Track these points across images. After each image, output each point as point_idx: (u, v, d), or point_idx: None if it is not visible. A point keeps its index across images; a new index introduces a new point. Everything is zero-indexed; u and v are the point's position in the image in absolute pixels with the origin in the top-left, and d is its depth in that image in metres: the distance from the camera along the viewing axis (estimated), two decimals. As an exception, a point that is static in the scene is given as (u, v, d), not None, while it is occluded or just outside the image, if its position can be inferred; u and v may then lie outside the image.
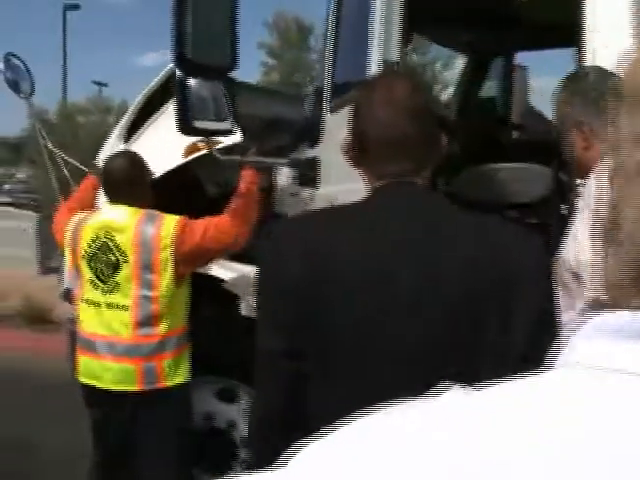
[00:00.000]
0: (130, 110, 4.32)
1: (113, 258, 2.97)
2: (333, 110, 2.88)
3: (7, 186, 34.20)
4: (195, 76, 2.74)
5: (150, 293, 2.94)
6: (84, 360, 3.10)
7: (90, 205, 3.43)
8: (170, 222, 2.96)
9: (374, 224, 1.45)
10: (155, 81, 4.09)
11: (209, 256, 3.12)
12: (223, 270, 3.46)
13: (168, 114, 3.60)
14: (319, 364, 1.46)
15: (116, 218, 3.02)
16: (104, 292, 2.99)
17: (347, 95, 2.71)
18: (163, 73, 4.03)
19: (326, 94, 2.94)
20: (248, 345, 3.40)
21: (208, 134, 2.86)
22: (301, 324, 1.45)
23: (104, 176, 3.14)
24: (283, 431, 1.44)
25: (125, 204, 3.04)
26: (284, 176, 3.50)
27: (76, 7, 32.02)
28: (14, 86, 4.54)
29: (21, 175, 43.91)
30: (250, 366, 3.31)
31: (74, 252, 3.11)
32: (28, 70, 4.64)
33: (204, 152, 3.21)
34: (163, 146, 3.61)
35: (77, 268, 3.11)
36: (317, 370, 1.47)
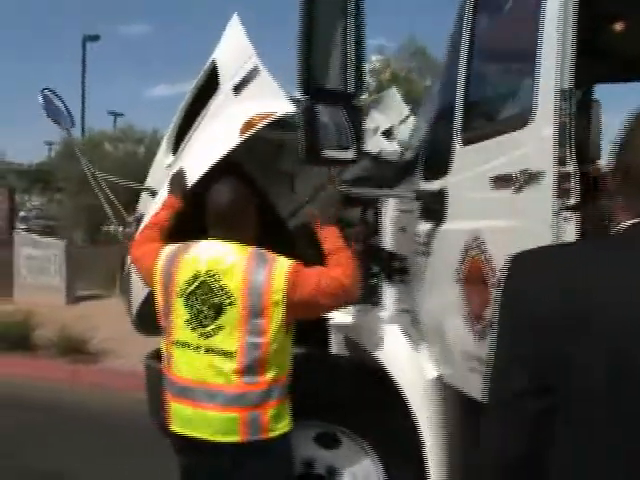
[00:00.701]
0: (173, 121, 4.26)
1: (216, 300, 2.71)
2: (466, 142, 2.72)
3: (22, 213, 34.21)
4: (322, 103, 2.63)
5: (258, 339, 2.68)
6: (177, 408, 2.83)
7: (168, 228, 3.23)
8: (282, 266, 2.71)
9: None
10: (193, 87, 4.08)
11: (321, 309, 2.90)
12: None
13: (210, 115, 3.73)
14: (569, 406, 1.31)
15: (221, 257, 2.76)
16: (203, 335, 2.73)
17: (489, 128, 2.57)
18: (200, 76, 4.01)
19: (457, 125, 2.78)
20: (348, 387, 3.36)
21: (334, 164, 2.71)
22: (551, 361, 1.30)
23: (209, 206, 2.88)
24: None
25: (229, 239, 2.80)
26: (390, 209, 3.34)
27: (96, 38, 32.29)
28: (56, 120, 4.55)
29: (36, 202, 44.24)
30: (350, 409, 3.16)
31: (166, 288, 2.85)
32: (64, 103, 4.69)
33: (259, 127, 3.33)
34: (212, 146, 3.61)
35: (168, 306, 2.84)
36: (567, 413, 1.31)
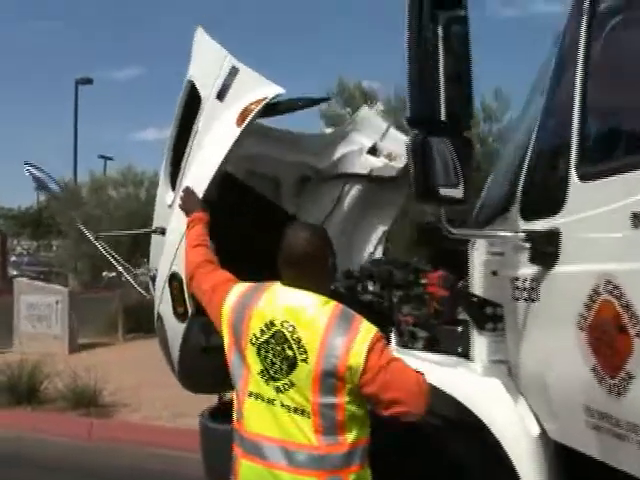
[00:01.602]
0: (165, 158, 4.24)
1: (290, 353, 2.48)
2: (588, 177, 2.49)
3: (13, 258, 33.73)
4: (433, 136, 2.41)
5: (333, 400, 2.44)
6: (248, 466, 2.56)
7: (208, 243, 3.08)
8: (367, 334, 2.46)
9: None
10: (175, 116, 4.06)
11: (389, 398, 2.49)
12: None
13: (201, 132, 3.72)
14: None
15: (300, 307, 2.53)
16: (276, 389, 2.50)
17: (624, 160, 2.34)
18: (180, 102, 3.99)
19: (574, 159, 2.55)
20: (430, 457, 3.07)
21: (447, 203, 2.47)
22: None
23: (284, 251, 2.64)
24: None
25: (304, 288, 2.56)
26: (480, 252, 3.09)
27: (89, 82, 32.23)
28: (44, 189, 4.61)
29: (25, 246, 43.73)
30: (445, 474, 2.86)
31: (237, 334, 2.61)
32: (46, 173, 4.75)
33: (255, 113, 3.33)
34: (213, 150, 3.60)
35: (239, 353, 2.61)
36: None
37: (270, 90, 3.45)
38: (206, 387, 4.32)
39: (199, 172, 3.74)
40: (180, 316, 3.87)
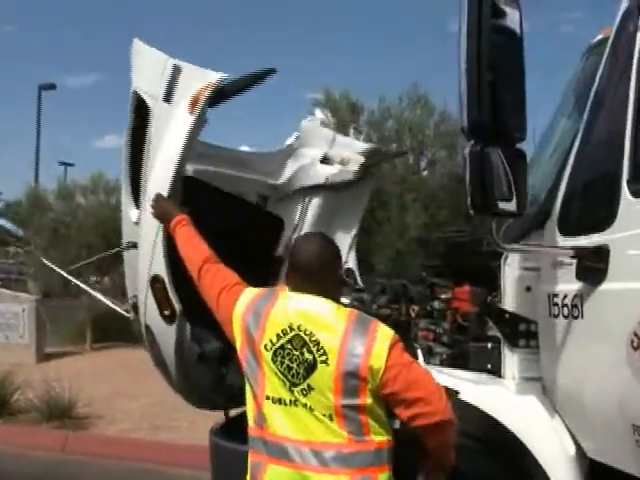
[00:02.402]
0: (123, 175, 4.23)
1: (308, 356, 2.44)
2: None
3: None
4: (490, 147, 2.35)
5: (356, 401, 2.40)
6: (275, 470, 2.49)
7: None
8: (386, 335, 2.46)
9: None
10: (126, 132, 4.07)
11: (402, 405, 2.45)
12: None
13: (155, 139, 3.74)
14: None
15: (316, 312, 2.51)
16: (294, 393, 2.46)
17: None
18: (129, 117, 4.01)
19: (625, 174, 2.51)
20: (478, 468, 2.99)
21: (503, 216, 2.41)
22: None
23: (294, 259, 2.63)
24: None
25: (316, 293, 2.54)
26: (513, 268, 3.04)
27: (52, 87, 31.62)
28: None
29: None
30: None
31: (250, 340, 2.55)
32: None
33: (206, 98, 3.42)
34: (170, 147, 3.64)
35: (254, 359, 2.55)
36: None
37: (214, 75, 3.52)
38: (211, 401, 4.17)
39: (160, 175, 3.72)
40: (168, 318, 3.80)
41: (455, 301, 3.45)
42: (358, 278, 4.73)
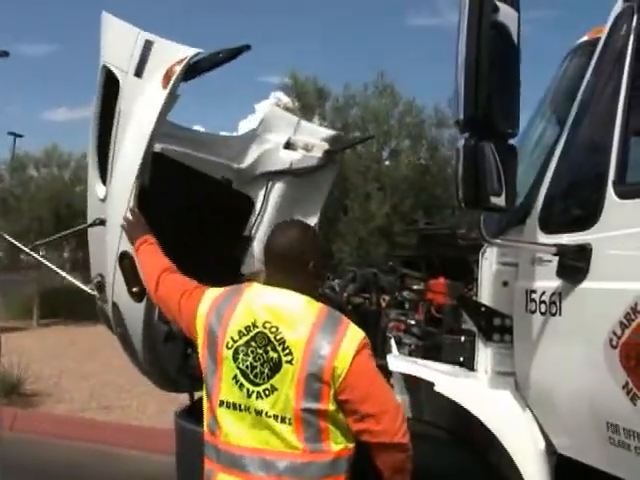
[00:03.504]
0: (89, 151, 4.21)
1: (273, 355, 2.32)
2: (625, 195, 2.48)
3: None
4: (484, 141, 2.35)
5: (316, 405, 2.29)
6: None
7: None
8: (355, 337, 2.35)
9: None
10: (94, 106, 4.03)
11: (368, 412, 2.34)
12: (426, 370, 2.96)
13: (124, 114, 3.70)
14: None
15: (285, 307, 2.39)
16: (253, 395, 2.34)
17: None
18: (97, 90, 3.95)
19: (612, 175, 2.53)
20: (450, 462, 3.01)
21: (492, 211, 2.42)
22: None
23: (267, 250, 2.53)
24: None
25: (288, 287, 2.42)
26: (491, 262, 3.05)
27: (5, 54, 30.69)
28: None
29: None
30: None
31: (212, 339, 2.43)
32: None
33: (179, 72, 3.35)
34: (141, 124, 3.61)
35: (213, 359, 2.42)
36: None
37: (189, 50, 3.50)
38: (176, 383, 4.12)
39: (130, 150, 3.71)
40: (137, 296, 3.77)
41: (429, 293, 3.46)
42: None
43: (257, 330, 2.35)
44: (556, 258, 2.69)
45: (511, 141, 2.50)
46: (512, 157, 2.47)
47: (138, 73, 3.70)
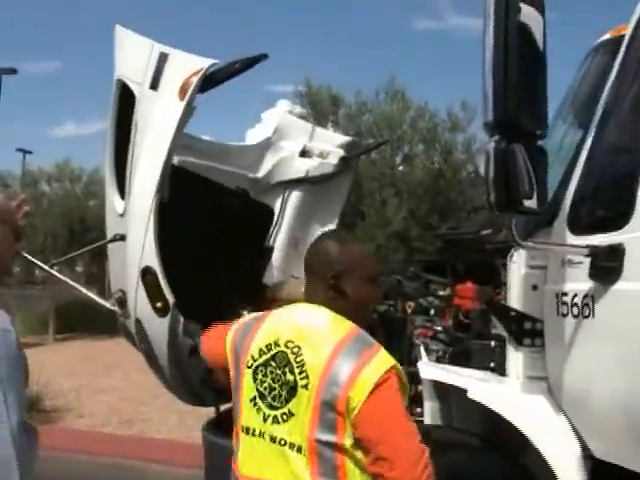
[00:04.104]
0: (106, 166, 4.17)
1: (290, 377, 2.10)
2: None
3: None
4: (514, 143, 2.32)
5: (332, 438, 2.04)
6: None
7: None
8: (381, 365, 2.06)
9: None
10: (109, 120, 4.02)
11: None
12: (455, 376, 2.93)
13: (141, 127, 3.68)
14: None
15: (311, 326, 2.16)
16: (269, 419, 2.13)
17: None
18: (112, 105, 3.93)
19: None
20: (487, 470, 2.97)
21: (525, 214, 2.38)
22: None
23: (305, 259, 2.31)
24: None
25: (321, 304, 2.19)
26: (520, 265, 3.01)
27: (13, 72, 30.85)
28: None
29: None
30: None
31: (237, 359, 2.27)
32: None
33: (196, 83, 3.35)
34: (159, 138, 3.57)
35: (237, 380, 2.25)
36: None
37: (205, 61, 3.49)
38: (202, 397, 4.09)
39: (148, 164, 3.69)
40: (161, 311, 3.73)
41: (456, 298, 3.42)
42: None
43: (278, 349, 2.15)
44: (587, 260, 2.66)
45: (541, 142, 2.47)
46: (542, 158, 2.44)
47: (154, 86, 3.69)
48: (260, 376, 2.17)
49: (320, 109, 9.33)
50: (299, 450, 2.06)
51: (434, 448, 2.89)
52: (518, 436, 2.86)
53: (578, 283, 2.75)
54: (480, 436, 3.02)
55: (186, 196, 3.91)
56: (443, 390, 3.33)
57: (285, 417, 2.09)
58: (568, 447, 2.82)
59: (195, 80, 3.48)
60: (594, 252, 2.59)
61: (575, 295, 2.76)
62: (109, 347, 10.25)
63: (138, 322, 3.88)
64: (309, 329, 2.15)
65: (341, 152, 4.65)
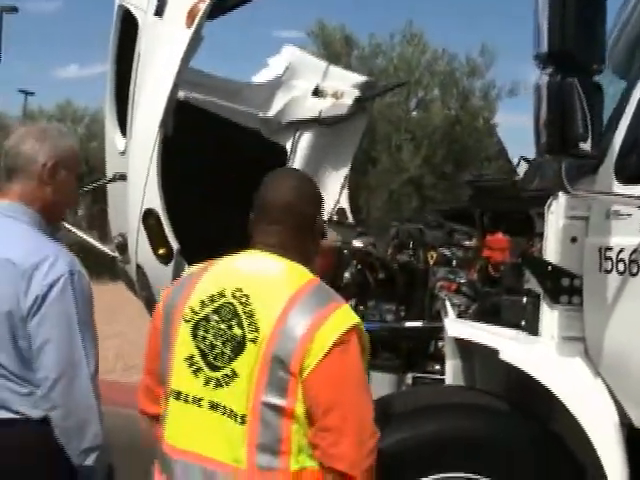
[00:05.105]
0: (107, 102, 3.95)
1: (237, 331, 1.81)
2: None
3: None
4: (573, 78, 2.04)
5: (280, 402, 1.77)
6: None
7: None
8: (344, 321, 1.81)
9: None
10: (110, 51, 3.81)
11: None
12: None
13: (144, 56, 3.48)
14: None
15: (264, 273, 1.88)
16: (210, 382, 1.84)
17: None
18: (113, 33, 3.72)
19: None
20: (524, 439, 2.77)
21: (580, 158, 2.12)
22: None
23: (260, 202, 1.99)
24: None
25: (276, 252, 1.91)
26: (558, 216, 2.75)
27: (14, 10, 30.17)
28: None
29: None
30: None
31: (167, 314, 1.95)
32: None
33: (205, 9, 3.12)
34: (165, 67, 3.36)
35: (166, 338, 1.93)
36: None
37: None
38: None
39: (152, 97, 3.46)
40: (164, 257, 3.52)
41: (486, 250, 3.17)
42: (350, 217, 4.49)
43: (224, 300, 1.86)
44: (638, 212, 2.41)
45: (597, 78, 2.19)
46: (599, 96, 2.17)
47: (159, 12, 3.44)
48: (201, 331, 1.86)
49: (333, 50, 8.98)
50: (237, 417, 1.79)
51: (459, 411, 2.73)
52: (549, 400, 2.65)
53: (626, 237, 2.51)
54: (508, 399, 2.81)
55: (191, 130, 3.68)
56: (466, 348, 3.12)
57: (227, 379, 1.81)
58: (606, 414, 2.61)
59: (203, 6, 3.24)
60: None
61: (621, 250, 2.52)
62: (111, 291, 10.06)
63: (139, 269, 3.67)
64: (262, 277, 1.88)
65: (356, 92, 4.43)
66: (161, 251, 3.49)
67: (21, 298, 2.01)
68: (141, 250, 3.62)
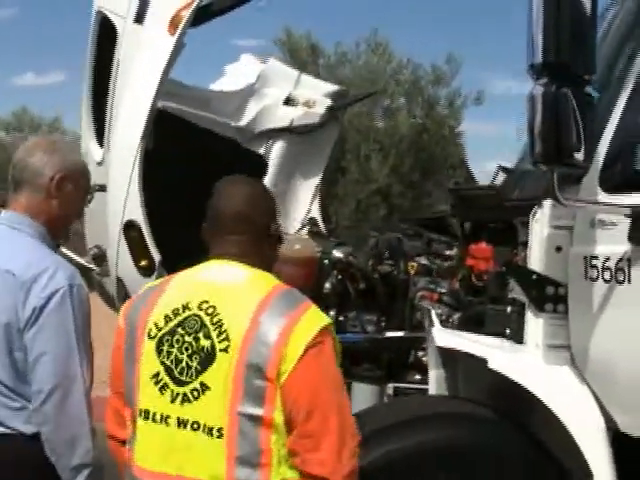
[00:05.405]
0: (83, 111, 3.92)
1: (205, 343, 1.77)
2: None
3: None
4: (566, 88, 2.06)
5: (258, 411, 1.74)
6: None
7: None
8: (315, 322, 1.80)
9: None
10: (88, 58, 3.77)
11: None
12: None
13: (123, 64, 3.42)
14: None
15: (229, 282, 1.87)
16: (177, 399, 1.79)
17: None
18: (91, 42, 3.67)
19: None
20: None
21: (572, 168, 2.14)
22: None
23: (216, 214, 1.97)
24: None
25: (238, 260, 1.90)
26: (543, 226, 2.77)
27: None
28: None
29: None
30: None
31: (129, 331, 1.91)
32: None
33: (189, 17, 3.12)
34: (145, 77, 3.32)
35: (131, 356, 1.88)
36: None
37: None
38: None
39: (133, 107, 3.43)
40: (145, 269, 3.48)
41: (469, 259, 3.18)
42: (322, 227, 4.48)
43: (189, 312, 1.82)
44: (622, 221, 2.44)
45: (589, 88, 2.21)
46: (591, 106, 2.19)
47: (139, 19, 3.39)
48: (166, 346, 1.83)
49: (299, 59, 8.99)
50: (211, 432, 1.74)
51: (445, 421, 2.73)
52: (533, 408, 2.67)
53: (612, 245, 2.53)
54: (494, 408, 2.82)
55: (170, 139, 3.63)
56: (449, 357, 3.12)
57: (196, 394, 1.77)
58: (592, 420, 2.64)
59: (186, 14, 3.18)
60: (634, 213, 2.36)
61: (607, 259, 2.54)
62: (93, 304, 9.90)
63: (120, 281, 3.59)
64: (227, 286, 1.86)
65: (328, 101, 4.43)
66: (143, 263, 3.45)
67: (19, 309, 1.99)
68: (122, 262, 3.56)
